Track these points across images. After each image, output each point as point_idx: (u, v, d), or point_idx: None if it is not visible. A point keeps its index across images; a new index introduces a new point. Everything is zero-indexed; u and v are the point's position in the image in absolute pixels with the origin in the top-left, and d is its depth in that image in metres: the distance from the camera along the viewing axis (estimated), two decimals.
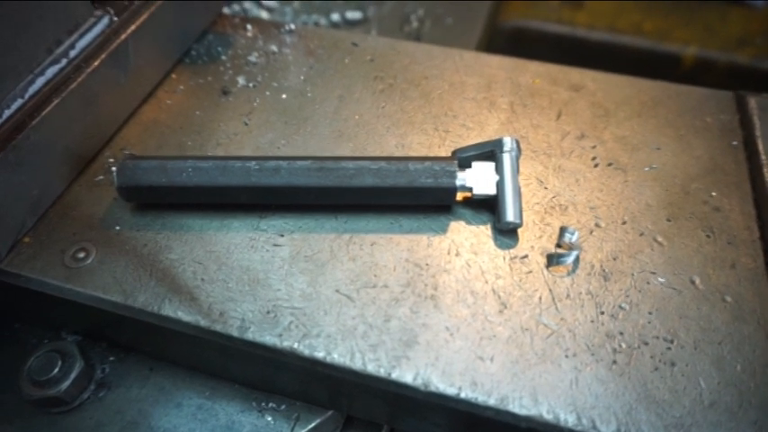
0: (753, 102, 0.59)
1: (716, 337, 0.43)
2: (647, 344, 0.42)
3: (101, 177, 0.53)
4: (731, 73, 1.10)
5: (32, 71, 0.49)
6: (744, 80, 1.09)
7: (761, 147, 0.55)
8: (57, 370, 0.47)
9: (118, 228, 0.49)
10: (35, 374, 0.47)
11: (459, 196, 0.49)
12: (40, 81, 0.49)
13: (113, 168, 0.49)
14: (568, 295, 0.45)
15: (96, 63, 0.52)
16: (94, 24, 0.54)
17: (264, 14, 1.00)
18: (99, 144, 0.55)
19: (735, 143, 0.56)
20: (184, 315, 0.44)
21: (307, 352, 0.42)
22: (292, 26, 0.69)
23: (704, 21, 1.17)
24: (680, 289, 0.45)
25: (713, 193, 0.52)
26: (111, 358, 0.51)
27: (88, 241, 0.49)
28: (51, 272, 0.47)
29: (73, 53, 0.52)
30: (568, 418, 0.39)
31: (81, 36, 0.53)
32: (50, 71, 0.50)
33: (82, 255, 0.48)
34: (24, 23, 0.48)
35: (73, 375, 0.47)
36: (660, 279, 0.46)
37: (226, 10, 0.74)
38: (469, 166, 0.49)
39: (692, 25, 1.16)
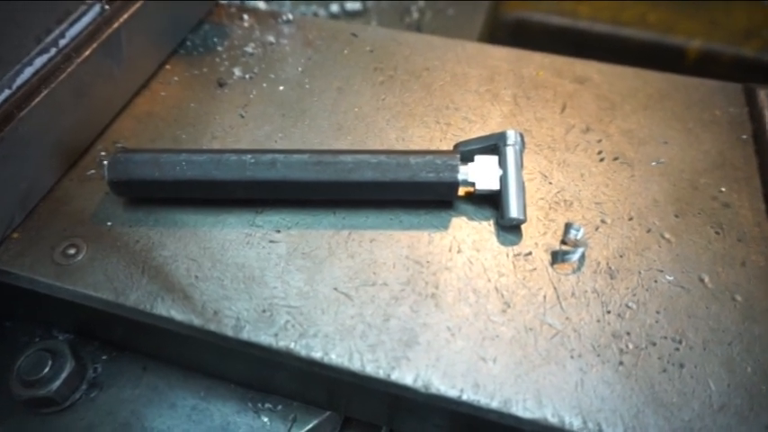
0: (763, 94, 0.57)
1: (725, 338, 0.42)
2: (654, 344, 0.41)
3: (92, 171, 0.52)
4: (737, 66, 1.08)
5: (20, 61, 0.48)
6: (750, 73, 1.07)
7: None
8: (47, 369, 0.46)
9: (109, 223, 0.48)
10: (25, 374, 0.45)
11: (462, 191, 0.47)
12: (29, 71, 0.48)
13: (105, 162, 0.48)
14: (573, 294, 0.44)
15: (87, 53, 0.51)
16: (85, 12, 0.53)
17: (262, 4, 0.98)
18: (91, 137, 0.54)
19: (744, 137, 0.55)
20: (177, 314, 0.43)
21: (303, 352, 0.41)
22: (290, 16, 0.67)
23: (709, 13, 1.15)
24: (688, 287, 0.44)
25: (722, 189, 0.50)
26: (104, 357, 0.50)
27: (79, 237, 0.47)
28: (41, 269, 0.45)
29: (63, 42, 0.50)
30: (574, 422, 0.38)
31: (71, 25, 0.51)
32: (39, 61, 0.49)
33: (72, 251, 0.46)
34: (12, 12, 0.46)
35: (64, 375, 0.46)
36: (668, 277, 0.45)
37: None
38: (472, 161, 0.48)
39: (696, 17, 1.14)
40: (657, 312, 0.43)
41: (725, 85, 0.60)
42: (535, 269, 0.45)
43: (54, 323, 0.51)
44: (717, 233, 0.47)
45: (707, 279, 0.45)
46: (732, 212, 0.49)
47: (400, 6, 0.99)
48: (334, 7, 0.98)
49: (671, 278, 0.45)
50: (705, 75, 0.63)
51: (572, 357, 0.40)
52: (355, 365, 0.40)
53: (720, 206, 0.49)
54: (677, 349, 0.41)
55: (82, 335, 0.51)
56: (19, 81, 0.47)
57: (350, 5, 0.98)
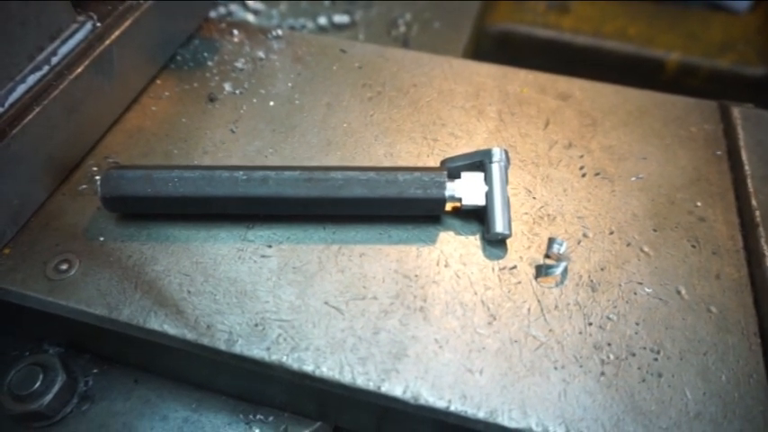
0: (736, 112, 0.59)
1: (701, 348, 0.43)
2: (634, 355, 0.43)
3: (84, 186, 0.52)
4: (713, 78, 1.11)
5: (13, 79, 0.48)
6: (726, 86, 1.11)
7: (744, 156, 0.55)
8: (38, 384, 0.46)
9: (102, 238, 0.49)
10: (16, 388, 0.46)
11: (449, 207, 0.49)
12: (21, 89, 0.48)
13: (97, 177, 0.48)
14: (557, 306, 0.45)
15: (79, 70, 0.51)
16: (77, 30, 0.53)
17: (251, 17, 0.99)
18: (82, 152, 0.54)
19: (719, 153, 0.57)
20: (171, 328, 0.43)
21: (295, 366, 0.42)
22: (279, 32, 0.68)
23: (687, 26, 1.19)
24: (666, 299, 0.46)
25: (698, 203, 0.52)
26: (95, 370, 0.50)
27: (71, 252, 0.48)
28: (33, 284, 0.46)
29: (55, 60, 0.51)
30: (557, 431, 0.39)
31: (63, 42, 0.52)
32: (31, 78, 0.49)
33: (65, 266, 0.47)
34: (4, 30, 0.46)
35: (55, 389, 0.46)
36: (647, 289, 0.46)
37: (212, 13, 0.73)
38: (458, 177, 0.49)
39: (675, 31, 1.18)
40: (637, 324, 0.44)
41: (700, 102, 0.62)
42: (520, 282, 0.46)
43: (45, 337, 0.51)
44: (693, 246, 0.49)
45: (683, 291, 0.47)
46: (707, 226, 0.51)
47: (387, 19, 1.00)
48: (323, 20, 0.99)
49: (649, 290, 0.46)
50: (683, 87, 0.65)
51: (555, 368, 0.42)
52: (346, 378, 0.41)
53: (696, 220, 0.51)
54: (656, 359, 0.43)
55: (73, 348, 0.51)
56: (11, 99, 0.47)
57: (338, 18, 0.99)
